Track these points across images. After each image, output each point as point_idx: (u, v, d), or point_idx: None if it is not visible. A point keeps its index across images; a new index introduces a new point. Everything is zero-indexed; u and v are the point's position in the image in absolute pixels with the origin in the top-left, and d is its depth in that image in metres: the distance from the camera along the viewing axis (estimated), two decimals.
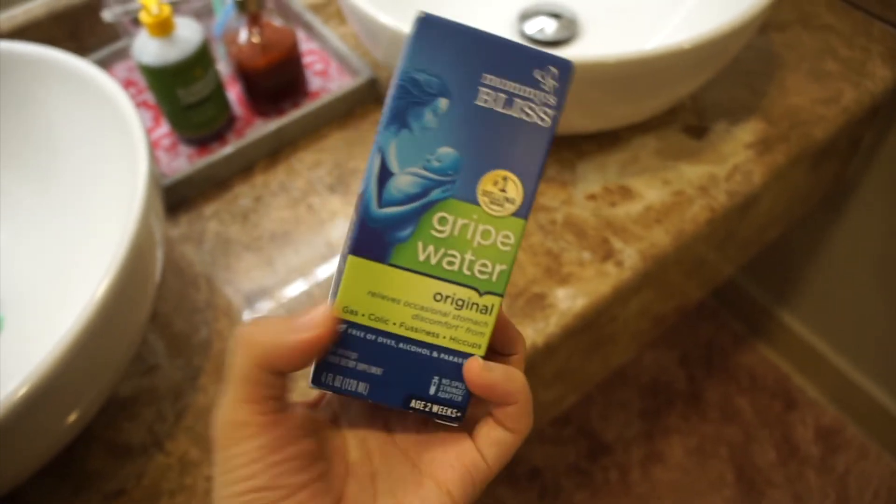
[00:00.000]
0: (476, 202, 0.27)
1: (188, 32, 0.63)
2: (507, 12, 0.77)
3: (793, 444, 1.34)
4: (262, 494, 0.26)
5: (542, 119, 0.27)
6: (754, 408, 1.39)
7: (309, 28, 0.79)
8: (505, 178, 0.28)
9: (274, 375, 0.27)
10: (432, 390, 0.29)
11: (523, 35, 0.75)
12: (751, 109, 0.73)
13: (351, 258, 0.27)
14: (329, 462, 0.29)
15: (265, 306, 0.60)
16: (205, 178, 0.67)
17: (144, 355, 0.58)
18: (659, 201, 0.66)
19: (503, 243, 0.28)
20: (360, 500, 0.29)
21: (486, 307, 0.28)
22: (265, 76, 0.69)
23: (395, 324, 0.28)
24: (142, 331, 0.49)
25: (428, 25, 0.27)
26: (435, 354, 0.29)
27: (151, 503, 0.51)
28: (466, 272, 0.28)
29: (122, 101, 0.52)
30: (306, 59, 0.77)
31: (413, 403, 0.29)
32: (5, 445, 0.39)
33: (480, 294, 0.28)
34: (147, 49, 0.62)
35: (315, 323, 0.27)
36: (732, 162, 0.69)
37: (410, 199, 0.27)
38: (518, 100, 0.27)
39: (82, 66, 0.55)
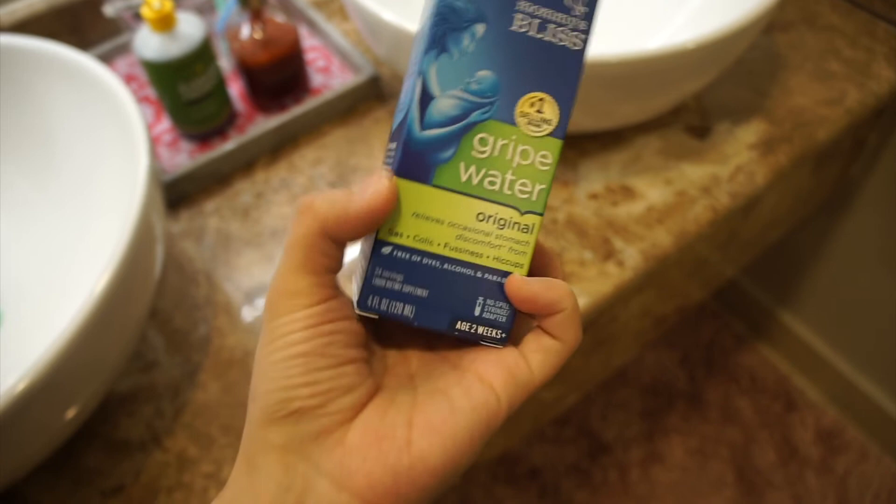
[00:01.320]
0: (514, 123, 0.28)
1: (190, 28, 0.63)
2: None
3: (793, 446, 1.34)
4: (310, 359, 0.26)
5: (575, 43, 0.28)
6: (755, 409, 1.39)
7: (311, 24, 0.79)
8: (541, 100, 0.28)
9: (334, 245, 0.27)
10: (477, 311, 0.29)
11: None
12: (754, 110, 0.73)
13: (399, 181, 0.28)
14: (371, 352, 0.29)
15: (264, 304, 0.60)
16: (206, 173, 0.67)
17: (143, 351, 0.58)
18: (661, 201, 0.65)
19: (541, 163, 0.29)
20: (399, 393, 0.28)
21: (528, 226, 0.29)
22: (267, 72, 0.69)
23: (439, 244, 0.28)
24: (141, 327, 0.49)
25: None
26: (479, 275, 0.29)
27: (149, 500, 0.50)
28: (507, 191, 0.28)
29: (124, 96, 0.52)
30: (308, 56, 0.77)
31: (459, 325, 0.29)
32: (4, 441, 0.39)
33: (521, 213, 0.29)
34: (149, 44, 0.62)
35: (377, 189, 0.27)
36: (735, 162, 0.68)
37: (452, 121, 0.28)
38: (551, 25, 0.28)
39: (83, 61, 0.55)
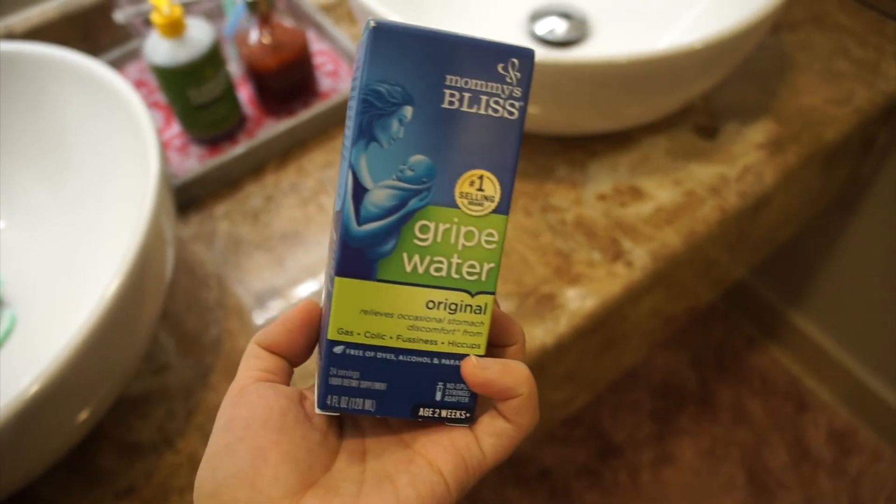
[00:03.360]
0: (455, 205, 0.27)
1: (199, 33, 0.63)
2: (518, 13, 0.77)
3: (805, 447, 1.33)
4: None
5: (511, 112, 0.27)
6: (766, 410, 1.38)
7: (319, 29, 0.80)
8: (481, 177, 0.27)
9: (272, 356, 0.30)
10: (438, 396, 0.29)
11: (534, 36, 0.75)
12: (762, 110, 0.73)
13: (338, 280, 0.27)
14: (323, 434, 0.29)
15: (275, 306, 0.60)
16: (216, 178, 0.68)
17: (155, 354, 0.58)
18: (670, 202, 0.65)
19: (488, 241, 0.28)
20: (348, 473, 0.28)
21: (480, 307, 0.28)
22: (276, 77, 0.69)
23: (391, 337, 0.28)
24: (152, 330, 0.50)
25: (382, 34, 0.26)
26: (436, 361, 0.28)
27: (161, 501, 0.51)
28: (455, 276, 0.28)
29: (134, 101, 0.53)
30: (317, 60, 0.78)
31: (421, 412, 0.29)
32: (18, 442, 0.40)
33: (472, 295, 0.28)
34: (158, 49, 0.62)
35: (297, 308, 0.30)
36: (743, 162, 0.68)
37: (389, 212, 0.27)
38: (483, 97, 0.26)
39: (95, 67, 0.56)
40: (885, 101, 0.74)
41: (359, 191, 0.26)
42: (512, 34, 0.76)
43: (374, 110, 0.26)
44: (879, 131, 0.88)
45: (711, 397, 1.41)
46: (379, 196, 0.26)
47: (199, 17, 0.66)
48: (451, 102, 0.26)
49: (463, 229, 0.27)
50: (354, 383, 0.28)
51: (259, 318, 0.60)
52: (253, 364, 0.29)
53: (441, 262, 0.27)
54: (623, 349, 0.78)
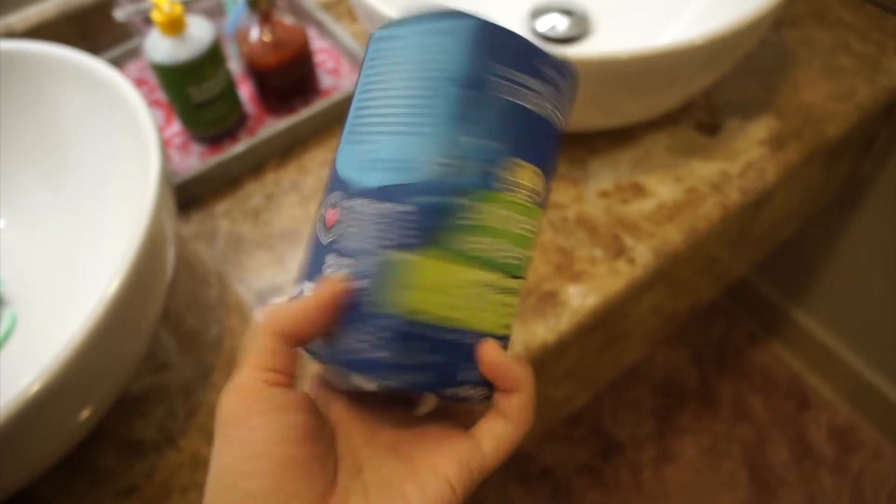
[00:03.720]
0: (506, 191, 0.28)
1: (200, 31, 0.63)
2: (519, 9, 0.77)
3: (806, 444, 1.33)
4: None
5: (557, 116, 0.30)
6: (767, 407, 1.38)
7: (320, 26, 0.79)
8: (524, 171, 0.29)
9: (288, 347, 0.28)
10: (469, 375, 0.29)
11: (535, 32, 0.75)
12: (763, 106, 0.73)
13: (423, 251, 0.27)
14: (328, 448, 0.29)
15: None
16: (216, 176, 0.68)
17: (156, 352, 0.58)
18: (671, 198, 0.65)
19: (528, 230, 0.29)
20: (352, 486, 0.28)
21: (514, 289, 0.30)
22: (276, 74, 0.69)
23: (438, 312, 0.28)
24: (153, 328, 0.50)
25: (476, 25, 0.28)
26: (470, 340, 0.29)
27: (163, 500, 0.51)
28: (496, 259, 0.29)
29: (135, 99, 0.53)
30: (317, 58, 0.78)
31: (451, 390, 0.29)
32: (19, 441, 0.40)
33: (509, 277, 0.29)
34: (159, 48, 0.62)
35: (323, 290, 0.28)
36: (745, 159, 0.68)
37: (459, 191, 0.28)
38: (545, 98, 0.29)
39: (95, 65, 0.56)
40: (887, 98, 0.74)
41: (444, 169, 0.27)
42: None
43: (470, 94, 0.28)
44: (881, 128, 0.88)
45: (713, 394, 1.41)
46: (455, 174, 0.28)
47: (200, 15, 0.65)
48: (522, 98, 0.29)
49: (511, 216, 0.29)
50: (400, 358, 0.28)
51: (260, 316, 0.60)
52: (263, 361, 0.28)
53: (488, 244, 0.28)
54: (624, 346, 0.77)
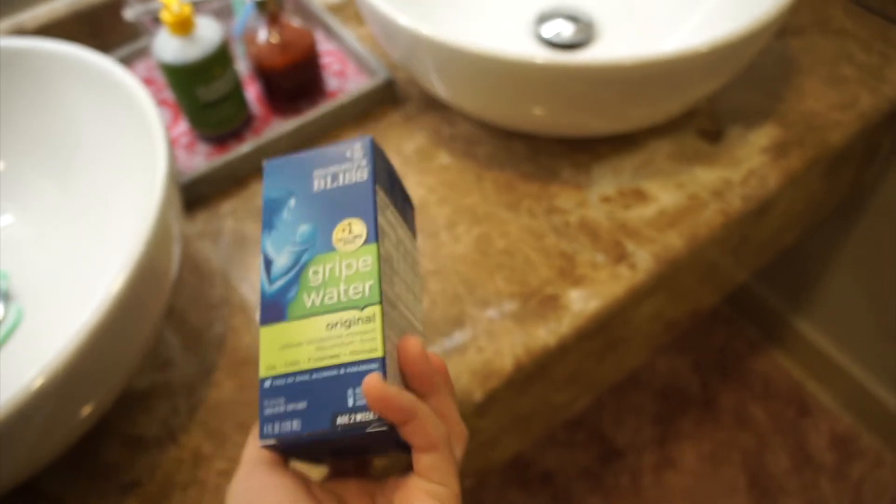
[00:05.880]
0: (334, 249, 0.35)
1: (208, 31, 0.63)
2: (525, 16, 0.78)
3: (807, 452, 1.33)
4: None
5: (362, 176, 0.36)
6: (768, 414, 1.38)
7: (327, 29, 0.80)
8: (349, 224, 0.35)
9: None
10: (350, 402, 0.32)
11: (540, 38, 0.75)
12: (766, 114, 0.73)
13: (262, 329, 0.34)
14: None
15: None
16: (223, 175, 0.68)
17: (160, 350, 0.58)
18: (673, 205, 0.66)
19: (364, 266, 0.34)
20: None
21: (370, 316, 0.33)
22: (283, 76, 0.69)
23: (304, 361, 0.33)
24: (157, 326, 0.50)
25: (271, 165, 0.38)
26: (343, 371, 0.32)
27: (165, 495, 0.51)
28: (344, 298, 0.34)
29: (143, 98, 0.53)
30: (324, 60, 0.78)
31: (339, 420, 0.32)
32: (23, 435, 0.40)
33: (361, 309, 0.33)
34: (167, 47, 0.63)
35: None
36: (747, 166, 0.68)
37: (289, 269, 0.35)
38: (340, 174, 0.37)
39: (104, 64, 0.56)
40: (890, 107, 0.74)
41: (267, 263, 0.36)
42: (518, 37, 0.76)
43: (271, 209, 0.37)
44: (883, 137, 0.88)
45: (713, 401, 1.41)
46: (281, 261, 0.35)
47: (208, 16, 0.66)
48: (318, 185, 0.37)
49: (344, 262, 0.35)
50: (281, 408, 0.32)
51: None
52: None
53: (332, 292, 0.34)
54: (625, 352, 0.78)
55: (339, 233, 0.35)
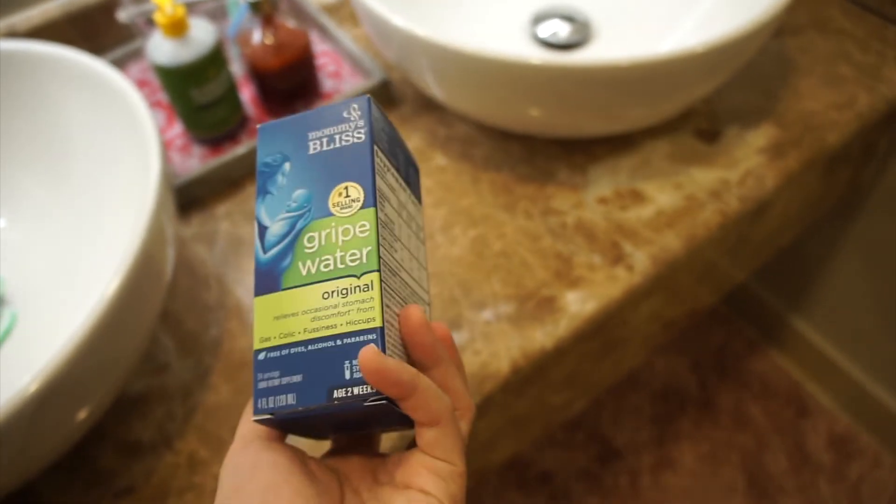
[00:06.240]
0: (330, 214, 0.33)
1: (202, 33, 0.63)
2: (520, 16, 0.77)
3: (805, 452, 1.33)
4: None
5: (359, 137, 0.35)
6: (766, 415, 1.38)
7: (322, 30, 0.80)
8: (346, 188, 0.34)
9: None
10: (347, 374, 0.30)
11: (536, 38, 0.75)
12: (764, 114, 0.73)
13: (256, 300, 0.33)
14: (326, 486, 0.32)
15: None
16: (217, 178, 0.68)
17: (155, 354, 0.58)
18: (670, 206, 0.65)
19: (361, 231, 0.33)
20: None
21: (367, 284, 0.32)
22: (278, 77, 0.69)
23: (299, 332, 0.32)
24: (152, 329, 0.50)
25: (264, 130, 0.36)
26: (339, 342, 0.31)
27: (160, 501, 0.51)
28: (341, 266, 0.32)
29: (136, 100, 0.53)
30: (319, 61, 0.78)
31: (336, 394, 0.30)
32: (17, 440, 0.40)
33: (359, 276, 0.32)
34: (161, 49, 0.62)
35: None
36: (745, 167, 0.68)
37: (283, 237, 0.33)
38: (337, 136, 0.35)
39: (97, 66, 0.56)
40: (887, 107, 0.74)
41: (261, 230, 0.34)
42: (514, 37, 0.76)
43: (265, 174, 0.35)
44: (881, 136, 0.88)
45: (712, 401, 1.40)
46: (275, 228, 0.34)
47: (202, 18, 0.66)
48: (315, 148, 0.35)
49: (340, 229, 0.33)
50: (276, 382, 0.31)
51: None
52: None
53: (329, 260, 0.32)
54: (623, 353, 0.77)
55: (335, 197, 0.34)
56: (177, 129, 0.73)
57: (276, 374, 0.31)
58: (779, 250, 0.95)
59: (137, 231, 0.44)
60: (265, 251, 0.33)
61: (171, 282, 0.52)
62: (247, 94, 0.75)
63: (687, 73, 0.57)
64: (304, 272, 0.32)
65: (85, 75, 0.56)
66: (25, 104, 0.60)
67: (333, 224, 0.33)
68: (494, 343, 0.57)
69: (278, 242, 0.33)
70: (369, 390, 0.30)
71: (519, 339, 0.57)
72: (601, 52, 0.74)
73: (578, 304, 0.59)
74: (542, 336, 0.57)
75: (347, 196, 0.33)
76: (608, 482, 1.31)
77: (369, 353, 0.29)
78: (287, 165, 0.35)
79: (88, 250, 0.58)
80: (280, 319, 0.32)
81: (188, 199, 0.67)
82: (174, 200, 0.53)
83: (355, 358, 0.30)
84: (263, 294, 0.33)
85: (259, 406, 0.31)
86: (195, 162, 0.70)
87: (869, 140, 0.84)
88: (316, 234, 0.33)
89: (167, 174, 0.50)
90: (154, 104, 0.75)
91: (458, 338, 0.57)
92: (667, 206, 0.65)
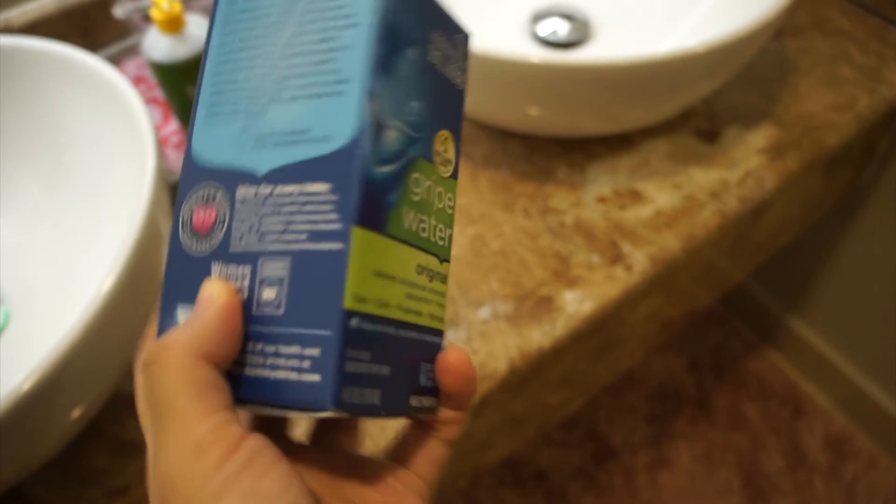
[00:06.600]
0: (433, 161, 0.24)
1: (199, 30, 0.63)
2: (520, 13, 0.77)
3: (801, 452, 1.33)
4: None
5: (462, 82, 0.26)
6: (763, 415, 1.38)
7: None
8: (446, 139, 0.25)
9: (217, 375, 0.22)
10: (423, 381, 0.24)
11: (536, 37, 0.75)
12: (764, 115, 0.73)
13: (355, 231, 0.21)
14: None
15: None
16: None
17: None
18: (669, 205, 0.65)
19: (449, 205, 0.26)
20: None
21: (444, 275, 0.25)
22: None
23: (395, 307, 0.23)
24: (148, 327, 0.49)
25: None
26: (421, 337, 0.24)
27: None
28: (433, 238, 0.24)
29: (132, 97, 0.52)
30: None
31: (412, 402, 0.24)
32: (10, 439, 0.39)
33: (441, 261, 0.25)
34: (157, 46, 0.62)
35: (212, 295, 0.22)
36: (744, 167, 0.68)
37: (397, 156, 0.23)
38: (449, 62, 0.25)
39: (92, 63, 0.55)
40: (887, 108, 0.74)
41: (379, 120, 0.22)
42: (513, 35, 0.75)
43: (393, 42, 0.22)
44: (880, 138, 0.88)
45: (708, 401, 1.40)
46: (391, 136, 0.22)
47: (199, 14, 0.65)
48: (433, 57, 0.24)
49: (437, 189, 0.25)
50: (365, 368, 0.22)
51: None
52: (217, 401, 0.21)
53: (425, 222, 0.24)
54: (620, 353, 0.77)
55: (438, 142, 0.24)
56: (173, 125, 0.72)
57: (367, 356, 0.22)
58: (777, 251, 0.95)
59: (132, 229, 0.44)
60: (379, 161, 0.22)
61: None
62: None
63: (687, 74, 0.57)
64: (405, 223, 0.23)
65: (80, 72, 0.56)
66: (19, 100, 0.59)
67: (434, 178, 0.24)
68: (492, 342, 0.57)
69: (394, 160, 0.22)
70: (434, 403, 0.25)
71: (516, 338, 0.57)
72: (601, 51, 0.74)
73: (576, 304, 0.59)
74: (540, 335, 0.57)
75: (447, 151, 0.25)
76: (604, 481, 1.31)
77: (466, 356, 0.24)
78: (413, 52, 0.23)
79: (83, 248, 0.57)
80: (380, 279, 0.22)
81: None
82: (170, 197, 0.53)
83: (429, 361, 0.24)
84: (369, 228, 0.22)
85: (345, 398, 0.21)
86: None
87: (869, 142, 0.84)
88: (423, 180, 0.24)
89: (163, 171, 0.50)
90: (150, 101, 0.75)
91: (456, 337, 0.57)
92: (666, 206, 0.65)
